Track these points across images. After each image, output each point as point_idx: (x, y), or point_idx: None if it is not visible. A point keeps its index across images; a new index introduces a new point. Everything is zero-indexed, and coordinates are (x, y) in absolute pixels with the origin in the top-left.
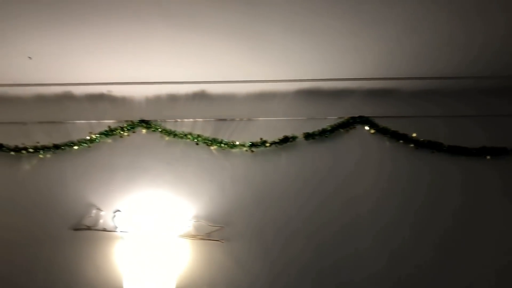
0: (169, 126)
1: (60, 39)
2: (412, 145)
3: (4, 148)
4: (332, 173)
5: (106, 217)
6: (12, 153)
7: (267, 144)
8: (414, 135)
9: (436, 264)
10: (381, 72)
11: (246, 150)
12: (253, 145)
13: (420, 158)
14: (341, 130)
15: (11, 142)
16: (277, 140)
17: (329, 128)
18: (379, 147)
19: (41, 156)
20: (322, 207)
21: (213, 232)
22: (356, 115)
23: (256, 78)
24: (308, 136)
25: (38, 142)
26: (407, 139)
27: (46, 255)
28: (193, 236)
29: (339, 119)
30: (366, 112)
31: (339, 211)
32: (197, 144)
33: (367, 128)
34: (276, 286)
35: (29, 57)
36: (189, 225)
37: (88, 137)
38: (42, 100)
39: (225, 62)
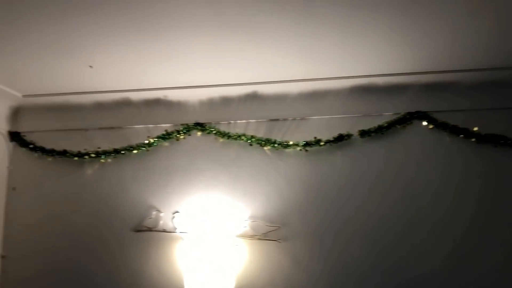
0: (222, 128)
1: (119, 48)
2: (473, 140)
3: (68, 154)
4: (390, 170)
5: (165, 219)
6: (76, 158)
7: (322, 143)
8: (475, 129)
9: (504, 259)
10: (438, 65)
11: (300, 150)
12: (307, 144)
13: (482, 153)
14: (398, 126)
15: (74, 148)
16: (331, 139)
17: (385, 125)
18: (438, 142)
19: (102, 160)
20: (380, 206)
21: (270, 232)
22: (413, 110)
23: (309, 77)
24: (363, 133)
25: (99, 147)
26: (468, 133)
27: (110, 256)
28: (250, 236)
29: (395, 115)
30: (423, 107)
31: (398, 209)
32: (250, 145)
33: (424, 123)
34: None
35: (90, 66)
36: (245, 225)
37: (146, 141)
38: (101, 107)
39: (277, 62)
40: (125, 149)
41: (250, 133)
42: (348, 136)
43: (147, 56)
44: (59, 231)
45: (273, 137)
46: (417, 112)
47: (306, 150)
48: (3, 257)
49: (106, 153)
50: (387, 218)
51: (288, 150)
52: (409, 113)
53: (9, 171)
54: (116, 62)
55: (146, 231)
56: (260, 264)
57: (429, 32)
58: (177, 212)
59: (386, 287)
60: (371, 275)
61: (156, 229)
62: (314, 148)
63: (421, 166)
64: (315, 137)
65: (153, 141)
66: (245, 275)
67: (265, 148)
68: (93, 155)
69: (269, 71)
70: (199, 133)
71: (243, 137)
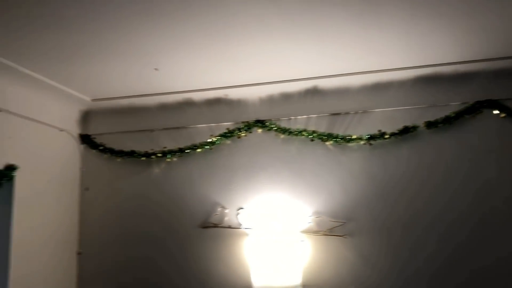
0: (283, 124)
1: (183, 50)
2: None
3: (135, 154)
4: (460, 162)
5: (230, 215)
6: (143, 158)
7: (386, 136)
8: None
9: None
10: (509, 51)
11: (364, 143)
12: (371, 137)
13: None
14: (466, 116)
15: (141, 148)
16: (396, 131)
17: (453, 115)
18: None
19: (168, 159)
20: (451, 201)
21: (335, 227)
22: (483, 99)
23: (371, 69)
24: (430, 124)
25: (165, 147)
26: None
27: (180, 251)
28: (315, 232)
29: (463, 105)
30: (493, 95)
31: (471, 203)
32: (312, 140)
33: (496, 112)
34: (409, 285)
35: (156, 69)
36: (310, 221)
37: (209, 140)
38: (165, 108)
39: (338, 55)
40: (189, 148)
41: (311, 128)
42: (414, 128)
43: (209, 56)
44: (130, 227)
45: (335, 132)
46: (487, 101)
47: (370, 144)
48: (79, 253)
49: (171, 152)
50: (460, 212)
51: (351, 144)
52: (478, 102)
53: (81, 172)
54: (179, 64)
55: (212, 227)
56: (326, 259)
57: (500, 16)
58: (242, 208)
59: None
60: (446, 273)
61: (221, 225)
62: (379, 141)
63: (494, 157)
64: (379, 130)
65: (215, 139)
66: (311, 270)
67: (327, 143)
68: (159, 155)
69: (330, 65)
70: (260, 130)
71: (304, 133)
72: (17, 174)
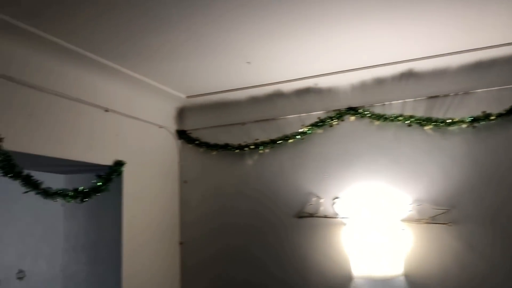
0: (377, 111)
1: (275, 42)
2: None
3: (229, 147)
4: None
5: (326, 204)
6: (237, 150)
7: (492, 117)
8: None
9: None
10: None
11: (467, 126)
12: (474, 120)
13: None
14: None
15: (234, 141)
16: (503, 112)
17: None
18: None
19: (260, 151)
20: None
21: (438, 215)
22: None
23: (472, 47)
24: None
25: (257, 139)
26: None
27: (277, 241)
28: (416, 220)
29: None
30: None
31: None
32: (409, 125)
33: None
34: None
35: (248, 62)
36: (410, 209)
37: (300, 130)
38: (255, 100)
39: (434, 35)
40: (281, 139)
41: (407, 113)
42: None
43: (300, 46)
44: (227, 218)
45: (434, 116)
46: None
47: (474, 127)
48: (181, 243)
49: (264, 144)
50: None
51: (452, 128)
52: None
53: (180, 166)
54: (270, 56)
55: (308, 217)
56: (430, 248)
57: None
58: (337, 198)
59: None
60: None
61: (317, 215)
62: (483, 123)
63: None
64: (483, 112)
65: (307, 129)
66: (414, 259)
67: (426, 127)
68: (252, 147)
69: (426, 45)
70: (352, 118)
71: (400, 118)
72: (124, 169)
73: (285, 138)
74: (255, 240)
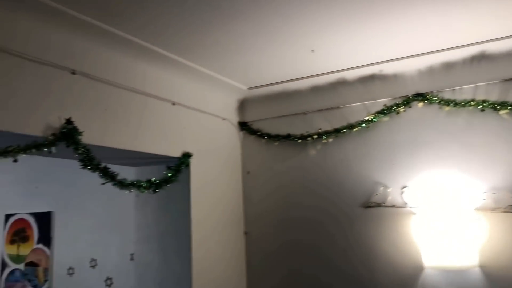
0: (447, 96)
1: (339, 28)
2: None
3: (291, 138)
4: None
5: (393, 194)
6: (299, 141)
7: None
8: None
9: None
10: None
11: None
12: None
13: None
14: None
15: (296, 131)
16: None
17: None
18: None
19: (324, 141)
20: None
21: None
22: None
23: None
24: None
25: (320, 129)
26: None
27: (341, 232)
28: (492, 209)
29: None
30: None
31: None
32: (482, 110)
33: None
34: None
35: (312, 51)
36: (485, 198)
37: (366, 118)
38: (317, 89)
39: (507, 15)
40: (345, 128)
41: (479, 97)
42: None
43: (365, 32)
44: (291, 208)
45: (509, 100)
46: None
47: None
48: (246, 233)
49: (327, 133)
50: None
51: None
52: None
53: (242, 157)
54: (334, 43)
55: (375, 206)
56: (507, 238)
57: None
58: (406, 187)
59: None
60: None
61: (385, 204)
62: None
63: None
64: None
65: (372, 117)
66: (489, 249)
67: (501, 112)
68: (315, 136)
69: (499, 25)
70: (420, 104)
71: (472, 103)
72: (191, 161)
73: (350, 126)
74: (318, 230)
